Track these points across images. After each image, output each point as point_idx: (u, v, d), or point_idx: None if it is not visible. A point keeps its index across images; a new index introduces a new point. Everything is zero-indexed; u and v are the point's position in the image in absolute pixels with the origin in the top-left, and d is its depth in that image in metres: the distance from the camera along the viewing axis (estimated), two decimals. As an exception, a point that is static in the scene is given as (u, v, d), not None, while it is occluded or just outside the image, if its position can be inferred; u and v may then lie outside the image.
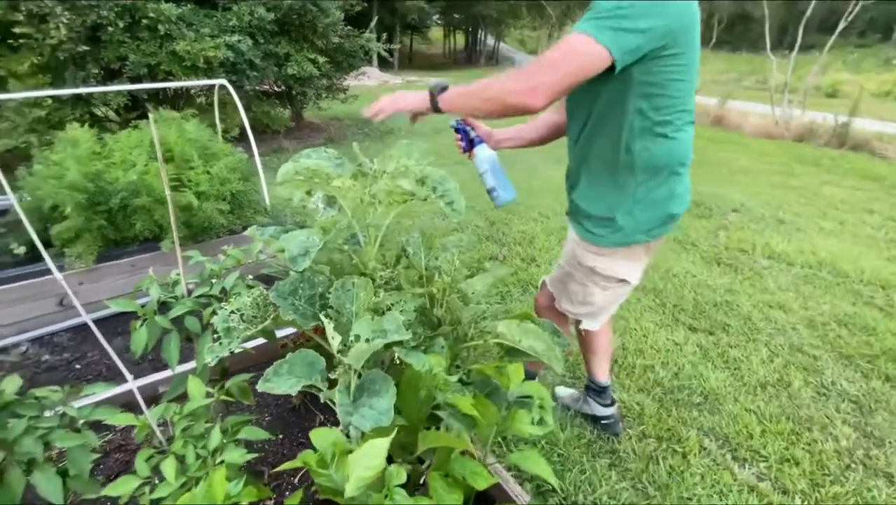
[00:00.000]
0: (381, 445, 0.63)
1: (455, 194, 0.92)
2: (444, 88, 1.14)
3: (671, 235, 3.79)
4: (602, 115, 1.19)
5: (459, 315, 1.13)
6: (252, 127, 7.21)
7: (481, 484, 0.87)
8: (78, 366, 2.12)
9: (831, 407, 2.02)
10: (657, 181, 1.24)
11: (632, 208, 1.26)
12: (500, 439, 1.75)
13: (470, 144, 1.44)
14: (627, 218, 1.26)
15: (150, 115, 1.06)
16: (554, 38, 20.10)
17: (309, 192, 1.12)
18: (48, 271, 2.34)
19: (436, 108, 1.12)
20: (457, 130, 1.47)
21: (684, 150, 1.25)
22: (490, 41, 39.33)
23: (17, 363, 2.07)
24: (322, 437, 0.74)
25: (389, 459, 1.19)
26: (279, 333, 1.62)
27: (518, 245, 3.51)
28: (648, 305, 2.80)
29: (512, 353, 1.15)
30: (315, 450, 0.72)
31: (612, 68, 0.98)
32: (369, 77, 18.00)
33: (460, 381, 1.03)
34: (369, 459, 0.62)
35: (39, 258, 2.54)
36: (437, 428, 1.07)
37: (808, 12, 7.80)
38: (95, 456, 1.26)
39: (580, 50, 0.94)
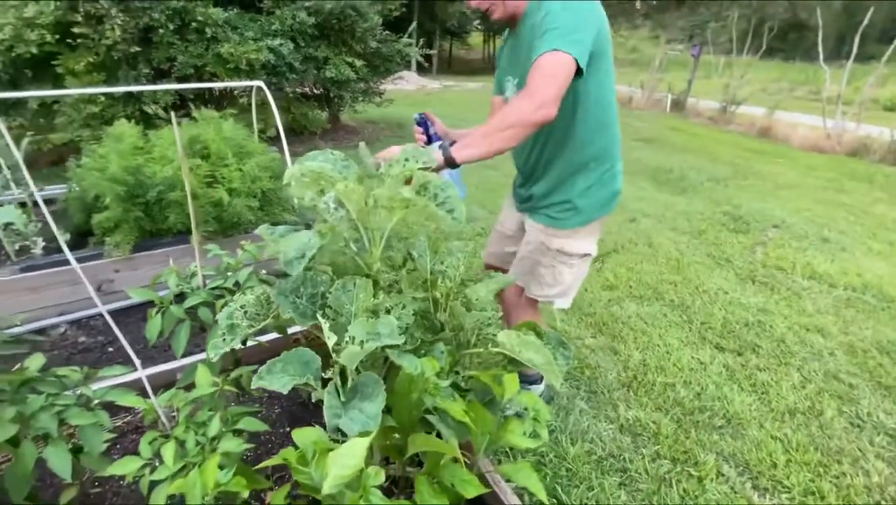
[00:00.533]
0: (361, 445, 0.64)
1: (456, 202, 0.92)
2: (451, 143, 1.22)
3: (704, 251, 3.65)
4: (556, 121, 1.31)
5: (462, 321, 1.13)
6: (290, 128, 7.43)
7: (470, 492, 0.86)
8: (111, 349, 2.23)
9: (865, 440, 1.89)
10: (605, 166, 1.47)
11: (587, 192, 1.47)
12: (507, 449, 1.73)
13: (429, 140, 1.46)
14: (585, 200, 1.47)
15: (173, 116, 1.11)
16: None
17: (321, 192, 1.14)
18: (89, 258, 2.49)
19: (450, 163, 1.18)
20: (418, 123, 1.48)
21: (619, 138, 1.51)
22: (530, 47, 39.04)
23: (55, 343, 2.20)
24: (304, 435, 0.75)
25: (387, 461, 1.20)
26: (294, 329, 1.66)
27: (542, 253, 3.46)
28: (674, 320, 2.71)
29: (515, 362, 1.14)
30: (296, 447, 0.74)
31: (578, 74, 1.19)
32: (407, 81, 18.20)
33: (458, 386, 1.02)
34: (348, 457, 0.62)
35: (83, 245, 2.70)
36: (439, 434, 1.07)
37: (866, 21, 7.37)
38: (112, 436, 1.32)
39: (562, 63, 1.15)
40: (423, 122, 1.47)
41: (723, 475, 1.72)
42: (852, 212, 4.73)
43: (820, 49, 8.17)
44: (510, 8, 1.35)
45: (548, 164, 1.48)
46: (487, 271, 2.07)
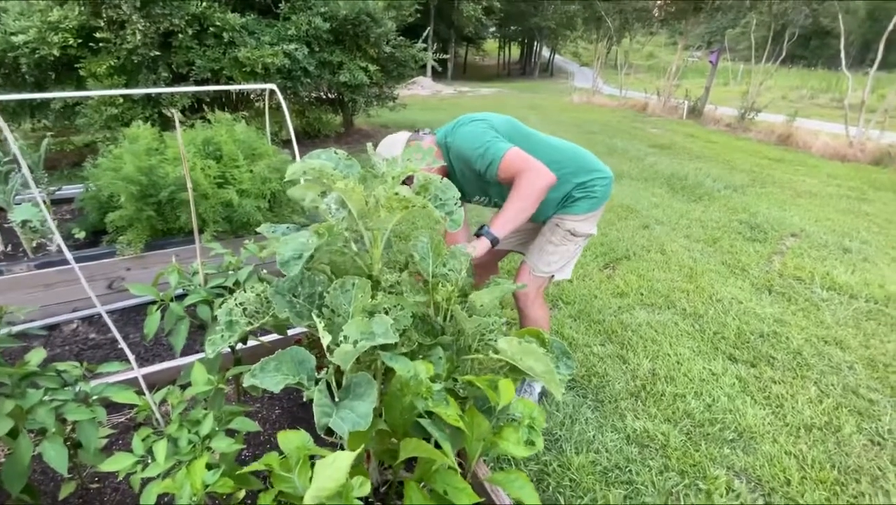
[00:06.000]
0: (347, 459, 0.62)
1: (455, 205, 0.90)
2: (485, 227, 1.55)
3: (718, 259, 3.57)
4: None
5: (463, 326, 1.11)
6: (304, 131, 7.49)
7: (463, 500, 0.84)
8: (120, 346, 2.25)
9: (885, 458, 1.81)
10: (589, 169, 1.76)
11: (591, 186, 1.74)
12: (510, 458, 1.70)
13: None
14: (594, 190, 1.75)
15: (176, 117, 1.12)
16: (610, 51, 19.65)
17: (323, 193, 1.13)
18: (102, 256, 2.53)
19: (495, 244, 1.53)
20: None
21: (575, 150, 1.80)
22: (545, 53, 39.13)
23: (66, 339, 2.24)
24: (289, 440, 0.73)
25: (381, 464, 1.18)
26: (296, 329, 1.65)
27: (552, 259, 3.43)
28: (686, 329, 2.64)
29: (517, 370, 1.11)
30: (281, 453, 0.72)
31: None
32: (422, 87, 18.32)
33: (454, 393, 1.00)
34: (333, 470, 0.60)
35: (97, 243, 2.75)
36: (437, 442, 1.05)
37: (891, 27, 7.19)
38: (113, 432, 1.33)
39: (511, 155, 1.51)
40: None
41: (733, 491, 1.66)
42: (875, 221, 4.59)
43: (842, 56, 8.00)
44: (438, 172, 1.63)
45: (546, 208, 1.78)
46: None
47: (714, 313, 2.81)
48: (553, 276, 1.87)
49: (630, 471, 1.72)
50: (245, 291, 1.01)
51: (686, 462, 1.76)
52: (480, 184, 1.72)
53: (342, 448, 1.12)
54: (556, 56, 40.39)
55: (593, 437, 1.86)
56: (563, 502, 1.58)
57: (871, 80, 7.79)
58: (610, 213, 4.51)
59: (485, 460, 1.65)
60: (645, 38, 20.62)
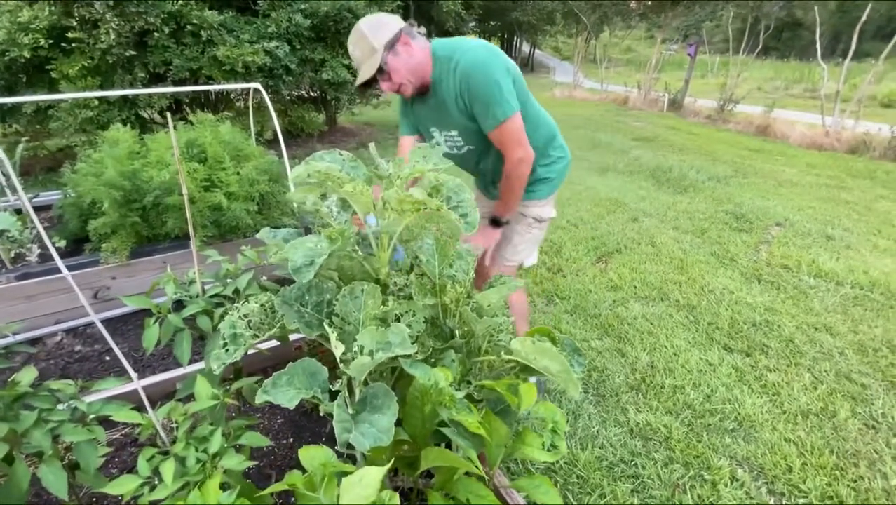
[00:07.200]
0: (377, 474, 0.59)
1: (470, 206, 0.88)
2: (497, 217, 1.69)
3: (707, 250, 3.62)
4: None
5: (473, 327, 1.09)
6: (287, 131, 7.38)
7: (486, 508, 0.82)
8: (108, 358, 2.18)
9: (881, 441, 1.85)
10: (555, 144, 1.75)
11: (551, 166, 1.73)
12: (517, 459, 1.69)
13: None
14: (551, 172, 1.74)
15: (169, 119, 1.07)
16: (589, 46, 19.80)
17: (323, 196, 1.10)
18: (86, 265, 2.44)
19: (500, 223, 1.70)
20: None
21: (552, 122, 1.76)
22: (525, 48, 39.23)
23: (51, 352, 2.15)
24: (311, 456, 0.70)
25: (395, 472, 1.15)
26: (296, 336, 1.61)
27: (544, 254, 3.43)
28: (681, 321, 2.67)
29: (528, 370, 1.09)
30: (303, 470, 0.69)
31: None
32: (404, 83, 18.17)
33: (470, 397, 0.98)
34: (362, 487, 0.58)
35: (79, 252, 2.65)
36: (448, 444, 1.03)
37: (863, 18, 7.37)
38: (109, 450, 1.27)
39: (514, 122, 1.47)
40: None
41: (737, 480, 1.68)
42: (855, 209, 4.70)
43: (818, 47, 8.17)
44: (418, 82, 1.52)
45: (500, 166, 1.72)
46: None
47: (707, 304, 2.84)
48: (522, 263, 1.87)
49: (636, 465, 1.72)
50: (248, 302, 0.97)
51: (690, 453, 1.77)
52: (457, 118, 1.55)
53: (353, 459, 1.09)
54: (537, 51, 40.51)
55: (597, 432, 1.86)
56: (571, 500, 1.58)
57: (846, 71, 7.98)
58: (599, 206, 4.53)
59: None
60: (623, 33, 20.81)
